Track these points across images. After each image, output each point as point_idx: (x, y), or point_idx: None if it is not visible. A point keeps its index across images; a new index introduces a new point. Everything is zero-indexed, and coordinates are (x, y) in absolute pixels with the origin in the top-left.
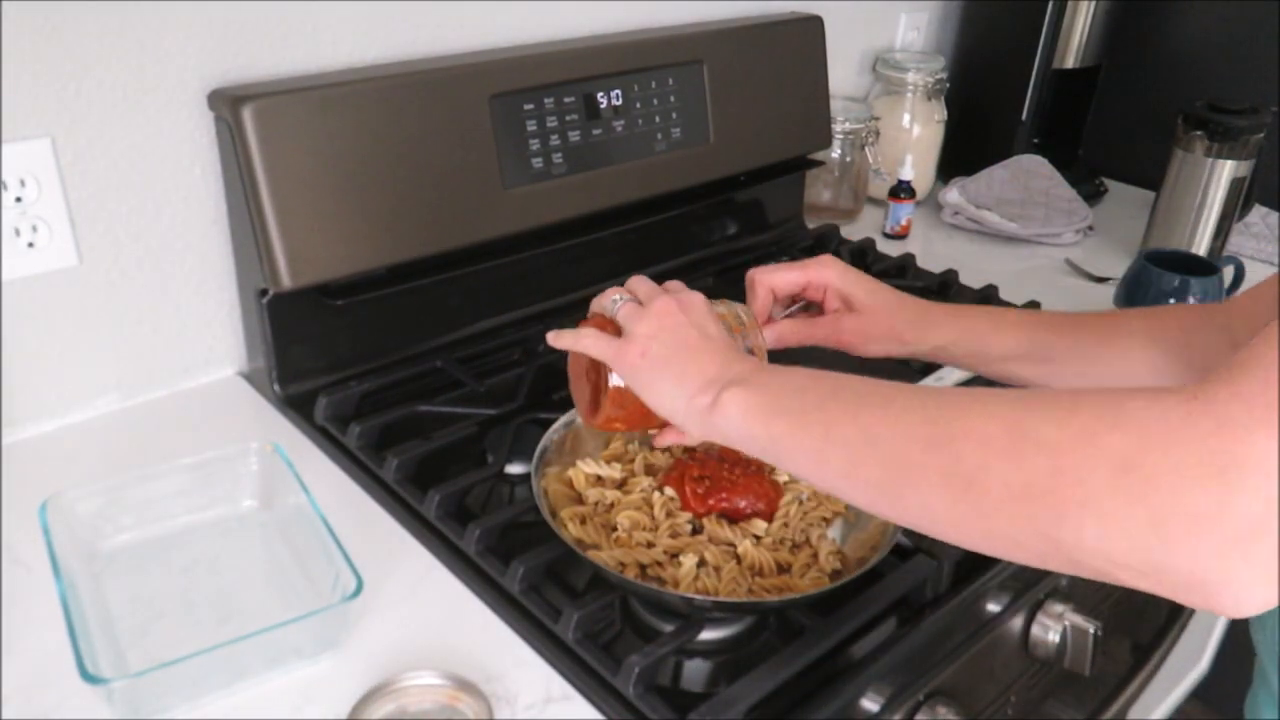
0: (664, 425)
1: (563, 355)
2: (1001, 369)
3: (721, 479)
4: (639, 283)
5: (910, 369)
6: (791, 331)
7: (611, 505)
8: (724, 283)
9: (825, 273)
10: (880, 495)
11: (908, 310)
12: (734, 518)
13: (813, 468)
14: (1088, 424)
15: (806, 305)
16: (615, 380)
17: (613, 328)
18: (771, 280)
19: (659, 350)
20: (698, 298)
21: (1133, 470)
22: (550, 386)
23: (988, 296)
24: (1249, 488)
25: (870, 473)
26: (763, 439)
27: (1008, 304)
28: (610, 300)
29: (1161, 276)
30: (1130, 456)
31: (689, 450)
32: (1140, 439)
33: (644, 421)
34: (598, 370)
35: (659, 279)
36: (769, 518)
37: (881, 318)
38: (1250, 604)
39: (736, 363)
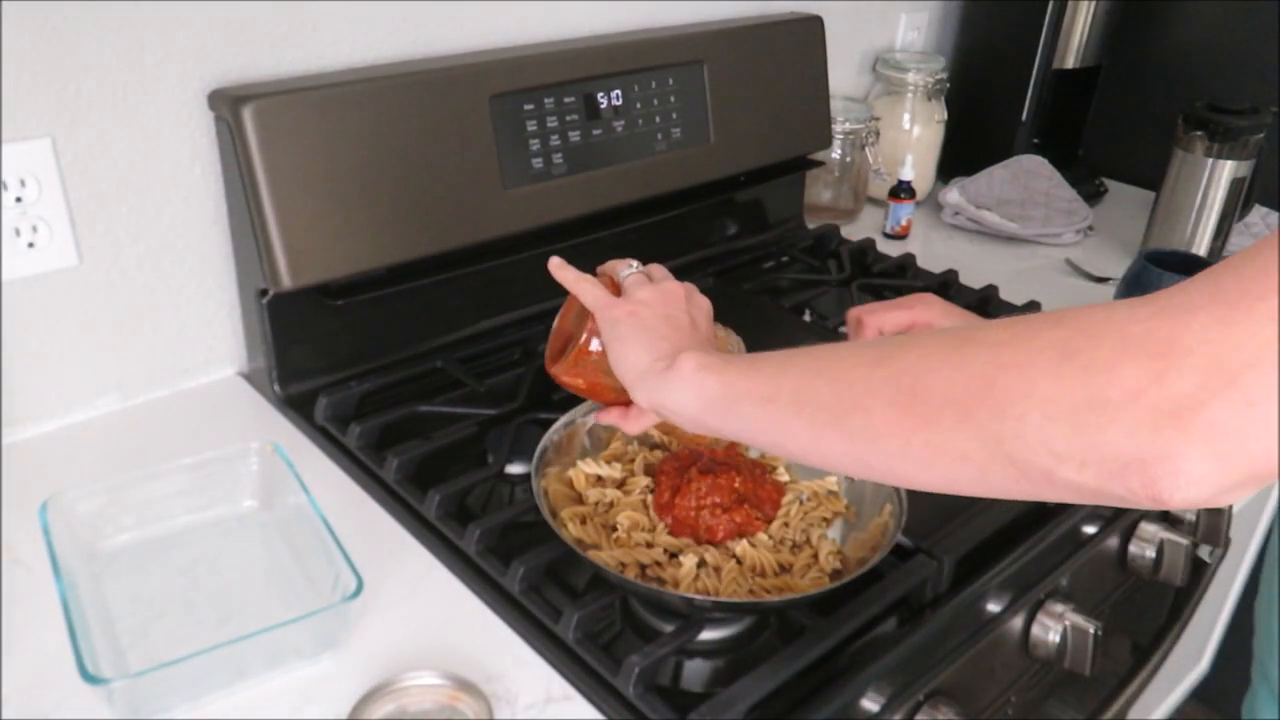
0: (612, 403)
1: None
2: None
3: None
4: (658, 267)
5: None
6: None
7: (611, 505)
8: (724, 283)
9: (930, 312)
10: (827, 424)
11: None
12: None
13: (762, 408)
14: (1033, 324)
15: None
16: (592, 343)
17: (615, 289)
18: (880, 321)
19: (647, 316)
20: (706, 301)
21: (1074, 357)
22: (550, 386)
23: (988, 297)
24: (1183, 364)
25: (818, 398)
26: (713, 390)
27: (1008, 304)
28: (626, 265)
29: (1162, 277)
30: (1072, 345)
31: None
32: (1083, 330)
33: (596, 389)
34: (582, 324)
35: None
36: (763, 527)
37: None
38: (1190, 483)
39: (708, 348)
